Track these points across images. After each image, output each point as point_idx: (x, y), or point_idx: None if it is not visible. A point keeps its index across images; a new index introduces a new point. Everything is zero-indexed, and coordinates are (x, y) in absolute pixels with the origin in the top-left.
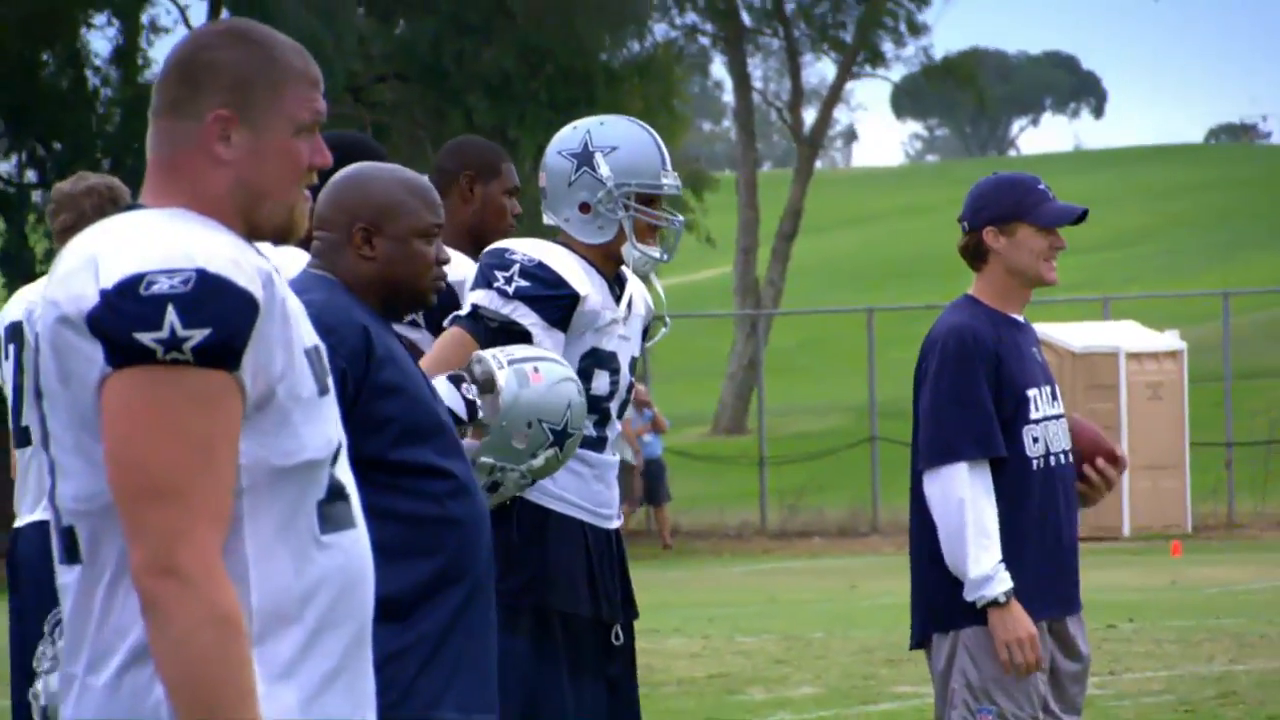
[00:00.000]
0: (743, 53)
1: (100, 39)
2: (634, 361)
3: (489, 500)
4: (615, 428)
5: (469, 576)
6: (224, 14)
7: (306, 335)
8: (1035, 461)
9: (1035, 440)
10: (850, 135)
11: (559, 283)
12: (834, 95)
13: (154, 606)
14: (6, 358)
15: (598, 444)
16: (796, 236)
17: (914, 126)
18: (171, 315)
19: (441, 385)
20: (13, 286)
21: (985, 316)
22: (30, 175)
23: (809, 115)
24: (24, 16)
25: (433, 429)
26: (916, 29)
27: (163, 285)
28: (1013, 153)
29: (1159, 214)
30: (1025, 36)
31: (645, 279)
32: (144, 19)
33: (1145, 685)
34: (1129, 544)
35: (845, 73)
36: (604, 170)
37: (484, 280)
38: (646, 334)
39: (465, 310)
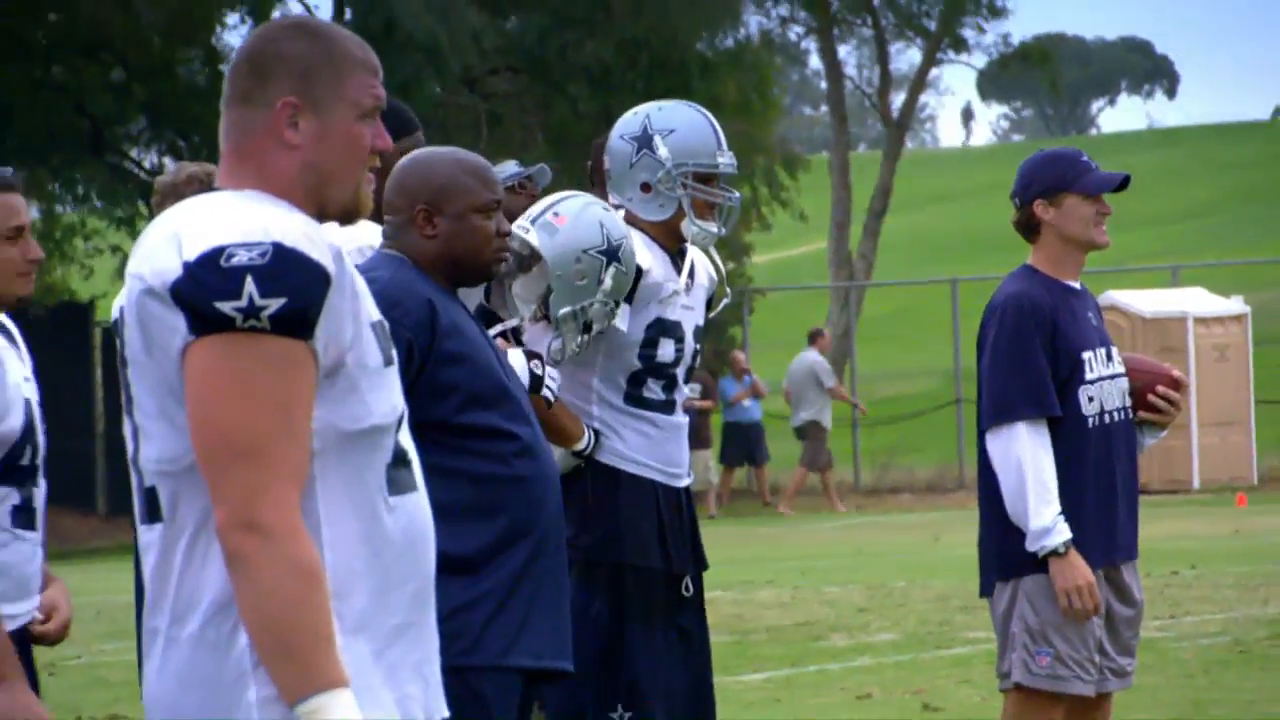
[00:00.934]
0: (833, 41)
1: (235, 37)
2: (698, 329)
3: (585, 343)
4: (682, 392)
5: (537, 530)
6: (347, 14)
7: (371, 310)
8: (1091, 419)
9: (1091, 399)
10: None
11: None
12: (920, 80)
13: (239, 560)
14: None
15: (665, 406)
16: (886, 213)
17: (1000, 109)
18: (250, 285)
19: (516, 358)
20: None
21: (1041, 284)
22: (169, 166)
23: (897, 99)
24: (166, 17)
25: (498, 395)
26: (997, 12)
27: (242, 257)
28: (1093, 131)
29: (1226, 187)
30: (1103, 22)
31: (705, 252)
32: (274, 17)
33: (1203, 627)
34: (1198, 495)
35: (930, 59)
36: (663, 152)
37: None
38: (710, 303)
39: None
